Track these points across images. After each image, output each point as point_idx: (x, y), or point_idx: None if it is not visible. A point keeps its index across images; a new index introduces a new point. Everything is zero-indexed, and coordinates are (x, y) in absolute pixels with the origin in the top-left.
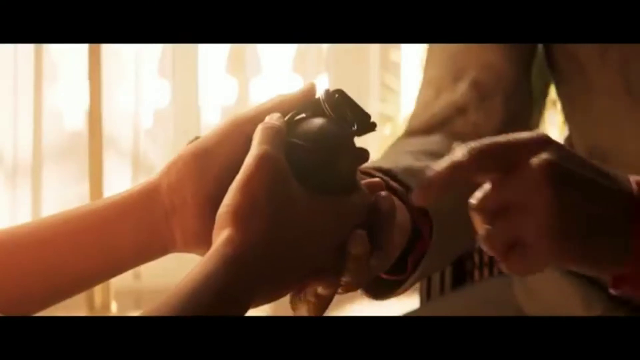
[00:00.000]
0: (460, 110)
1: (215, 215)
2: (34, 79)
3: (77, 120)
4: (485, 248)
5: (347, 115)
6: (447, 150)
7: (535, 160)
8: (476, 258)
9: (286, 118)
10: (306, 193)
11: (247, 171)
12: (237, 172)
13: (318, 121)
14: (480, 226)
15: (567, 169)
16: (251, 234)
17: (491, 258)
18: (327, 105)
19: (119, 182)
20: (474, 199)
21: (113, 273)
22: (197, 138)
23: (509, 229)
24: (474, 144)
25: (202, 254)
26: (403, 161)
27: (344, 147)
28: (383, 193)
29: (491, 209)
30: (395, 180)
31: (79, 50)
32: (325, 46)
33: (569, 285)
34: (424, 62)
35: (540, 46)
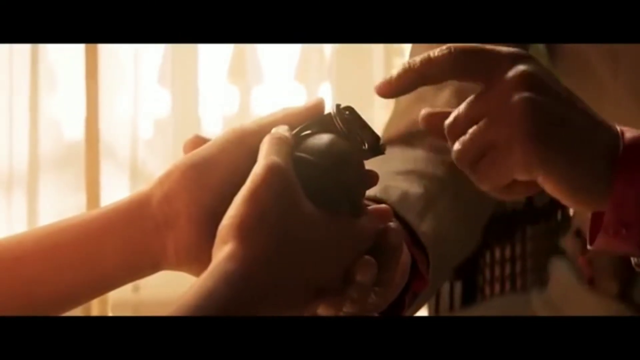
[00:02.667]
0: None
1: (211, 230)
2: (29, 87)
3: (75, 130)
4: (457, 163)
5: (358, 134)
6: (433, 169)
7: (512, 71)
8: (487, 273)
9: (293, 132)
10: (314, 209)
11: (255, 182)
12: (236, 185)
13: (327, 137)
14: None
15: (545, 80)
16: (256, 249)
17: (503, 273)
18: (338, 120)
19: (117, 193)
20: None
21: (101, 290)
22: (196, 137)
23: (482, 136)
24: (455, 45)
25: (195, 273)
26: (394, 187)
27: (354, 166)
28: (392, 224)
29: (465, 122)
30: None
31: (76, 57)
32: (327, 54)
33: (595, 302)
34: None
35: (545, 51)
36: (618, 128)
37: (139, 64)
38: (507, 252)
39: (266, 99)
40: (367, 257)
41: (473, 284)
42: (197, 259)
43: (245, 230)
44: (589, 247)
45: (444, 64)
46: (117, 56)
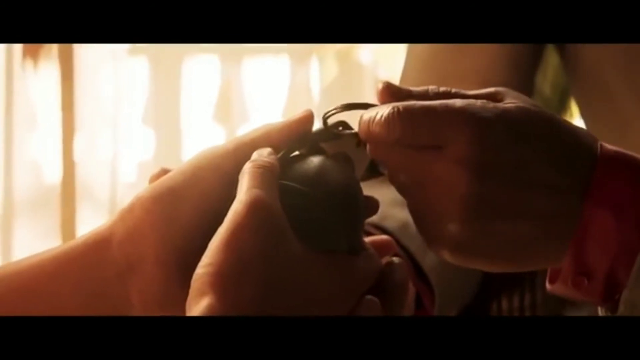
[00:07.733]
0: None
1: (182, 274)
2: (5, 127)
3: (53, 172)
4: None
5: (353, 154)
6: None
7: (454, 142)
8: None
9: (278, 156)
10: (306, 250)
11: (235, 222)
12: (210, 219)
13: (319, 160)
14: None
15: (490, 153)
16: (239, 303)
17: None
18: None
19: None
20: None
21: None
22: (163, 170)
23: (425, 200)
24: (402, 105)
25: None
26: (392, 216)
27: (352, 194)
28: (396, 259)
29: (403, 182)
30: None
31: (53, 95)
32: (316, 93)
33: None
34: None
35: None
36: (602, 149)
37: (119, 102)
38: (516, 302)
39: None
40: (369, 297)
41: None
42: (166, 310)
43: (224, 281)
44: (547, 286)
45: (389, 124)
46: (96, 93)
